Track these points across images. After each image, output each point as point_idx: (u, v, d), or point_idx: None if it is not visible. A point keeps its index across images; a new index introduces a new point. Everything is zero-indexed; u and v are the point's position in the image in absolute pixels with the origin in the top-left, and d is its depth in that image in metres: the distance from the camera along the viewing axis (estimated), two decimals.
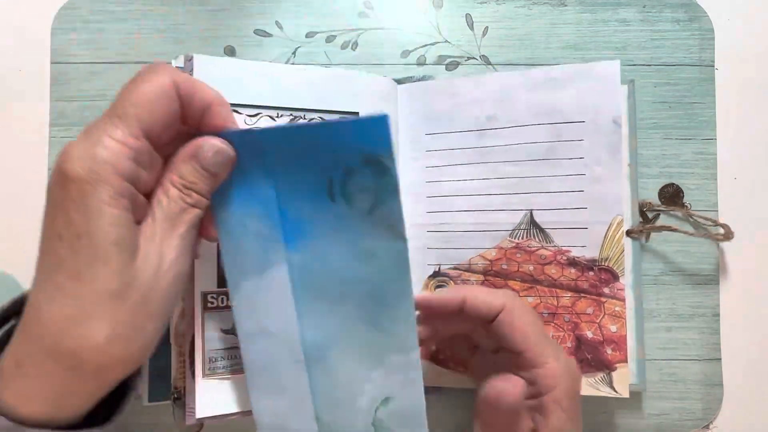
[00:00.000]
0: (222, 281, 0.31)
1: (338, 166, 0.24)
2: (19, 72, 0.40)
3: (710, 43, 0.39)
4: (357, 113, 0.35)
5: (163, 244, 0.23)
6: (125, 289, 0.21)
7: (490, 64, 0.39)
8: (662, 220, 0.38)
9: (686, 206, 0.38)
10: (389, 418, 0.27)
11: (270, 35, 0.39)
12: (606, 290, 0.34)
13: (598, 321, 0.34)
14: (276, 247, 0.26)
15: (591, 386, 0.34)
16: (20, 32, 0.40)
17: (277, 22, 0.39)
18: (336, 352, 0.26)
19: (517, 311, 0.29)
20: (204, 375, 0.31)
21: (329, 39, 0.39)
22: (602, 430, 0.37)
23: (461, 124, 0.36)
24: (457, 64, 0.39)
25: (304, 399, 0.27)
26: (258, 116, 0.35)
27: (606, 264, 0.34)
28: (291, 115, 0.35)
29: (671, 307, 0.38)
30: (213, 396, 0.31)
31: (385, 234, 0.24)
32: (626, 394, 0.34)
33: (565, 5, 0.39)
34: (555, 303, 0.35)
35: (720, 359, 0.38)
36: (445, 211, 0.36)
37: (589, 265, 0.34)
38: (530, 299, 0.35)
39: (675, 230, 0.36)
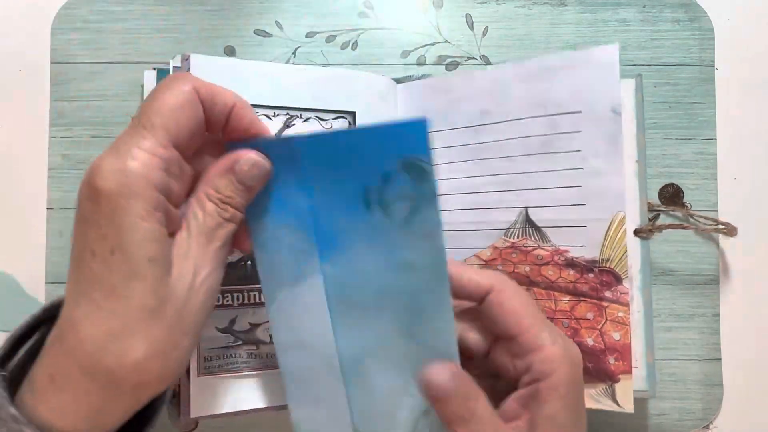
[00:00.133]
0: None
1: (375, 172, 0.23)
2: (19, 72, 0.40)
3: (710, 43, 0.39)
4: (354, 113, 0.35)
5: (197, 259, 0.23)
6: (161, 305, 0.21)
7: (489, 64, 0.39)
8: (662, 221, 0.38)
9: (686, 206, 0.38)
10: (431, 429, 0.26)
11: (270, 35, 0.39)
12: (608, 294, 0.32)
13: (599, 327, 0.32)
14: (310, 260, 0.25)
15: (592, 398, 0.32)
16: (20, 32, 0.40)
17: (277, 22, 0.39)
18: (373, 365, 0.26)
19: (507, 291, 0.26)
20: (199, 374, 0.31)
21: (329, 39, 0.39)
22: (601, 430, 0.37)
23: (456, 121, 0.36)
24: (457, 64, 0.39)
25: (342, 410, 0.27)
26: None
27: (607, 265, 0.32)
28: (287, 114, 0.35)
29: (671, 307, 0.38)
30: (208, 395, 0.31)
31: (423, 243, 0.24)
32: (630, 409, 0.32)
33: (565, 5, 0.39)
34: (553, 307, 0.33)
35: (720, 359, 0.38)
36: (441, 210, 0.36)
37: (588, 267, 0.33)
38: None
39: (686, 228, 0.36)
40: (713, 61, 0.39)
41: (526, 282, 0.34)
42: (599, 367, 0.32)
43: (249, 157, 0.24)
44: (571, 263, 0.33)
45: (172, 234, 0.23)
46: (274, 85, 0.34)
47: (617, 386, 0.32)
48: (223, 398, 0.31)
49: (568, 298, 0.33)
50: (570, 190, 0.33)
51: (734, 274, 0.38)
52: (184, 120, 0.22)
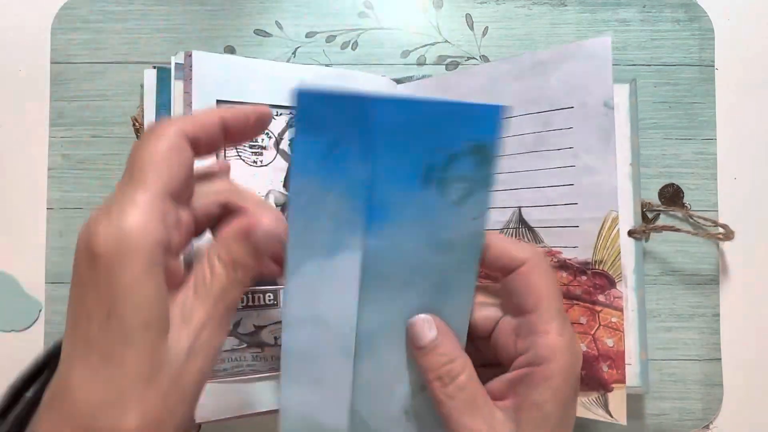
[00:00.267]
0: None
1: (442, 150, 0.23)
2: (19, 72, 0.40)
3: (710, 43, 0.39)
4: None
5: (199, 322, 0.22)
6: (157, 372, 0.21)
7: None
8: (662, 221, 0.38)
9: (686, 206, 0.38)
10: (423, 407, 0.26)
11: (270, 35, 0.39)
12: (601, 298, 0.32)
13: (592, 333, 0.32)
14: (354, 231, 0.24)
15: (583, 407, 0.31)
16: (20, 32, 0.40)
17: (277, 22, 0.39)
18: (386, 341, 0.26)
19: (539, 269, 0.25)
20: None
21: (329, 39, 0.39)
22: (601, 430, 0.37)
23: None
24: (457, 64, 0.39)
25: (342, 392, 0.26)
26: None
27: (600, 268, 0.32)
28: (290, 113, 0.35)
29: (671, 307, 0.38)
30: (212, 399, 0.31)
31: (467, 226, 0.24)
32: (623, 421, 0.31)
33: (565, 5, 0.39)
34: None
35: (720, 359, 0.38)
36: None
37: (581, 268, 0.32)
38: None
39: (677, 230, 0.36)
40: (713, 61, 0.39)
41: None
42: (592, 374, 0.31)
43: (265, 227, 0.23)
44: (564, 265, 0.33)
45: (174, 286, 0.22)
46: (275, 84, 0.34)
47: (610, 396, 0.31)
48: (227, 402, 0.31)
49: None
50: (562, 188, 0.32)
51: (734, 274, 0.38)
52: (175, 166, 0.22)
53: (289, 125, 0.35)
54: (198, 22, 0.39)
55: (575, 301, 0.32)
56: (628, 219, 0.34)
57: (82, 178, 0.39)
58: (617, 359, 0.31)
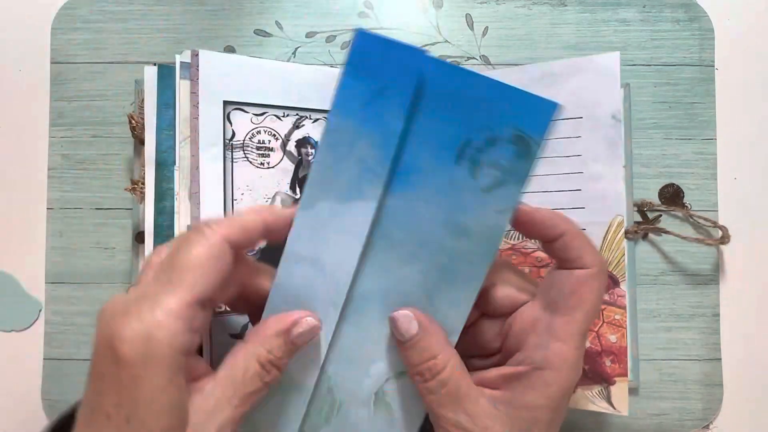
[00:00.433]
0: None
1: (484, 130, 0.22)
2: (19, 72, 0.40)
3: (710, 43, 0.39)
4: None
5: (222, 420, 0.22)
6: None
7: (489, 64, 0.39)
8: (663, 220, 0.38)
9: (686, 206, 0.38)
10: (394, 394, 0.25)
11: (270, 35, 0.39)
12: (605, 296, 0.33)
13: (596, 329, 0.33)
14: (375, 183, 0.23)
15: (587, 400, 0.32)
16: (20, 32, 0.40)
17: (277, 22, 0.39)
18: (378, 309, 0.25)
19: (596, 282, 0.24)
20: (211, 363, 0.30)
21: (329, 39, 0.39)
22: (601, 430, 0.37)
23: None
24: (457, 64, 0.39)
25: (321, 344, 0.25)
26: (264, 115, 0.35)
27: None
28: (297, 114, 0.35)
29: (671, 307, 0.38)
30: None
31: (490, 217, 0.23)
32: (625, 412, 0.32)
33: (565, 5, 0.39)
34: None
35: (720, 359, 0.38)
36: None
37: None
38: None
39: (668, 233, 0.36)
40: (713, 61, 0.39)
41: None
42: (595, 369, 0.33)
43: (308, 320, 0.24)
44: None
45: (194, 380, 0.22)
46: (283, 85, 0.34)
47: (613, 388, 0.32)
48: None
49: None
50: (570, 193, 0.34)
51: (734, 274, 0.38)
52: (212, 275, 0.22)
53: (295, 126, 0.35)
54: (198, 22, 0.39)
55: None
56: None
57: (82, 178, 0.39)
58: (620, 354, 0.32)
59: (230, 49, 0.39)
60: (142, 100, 0.35)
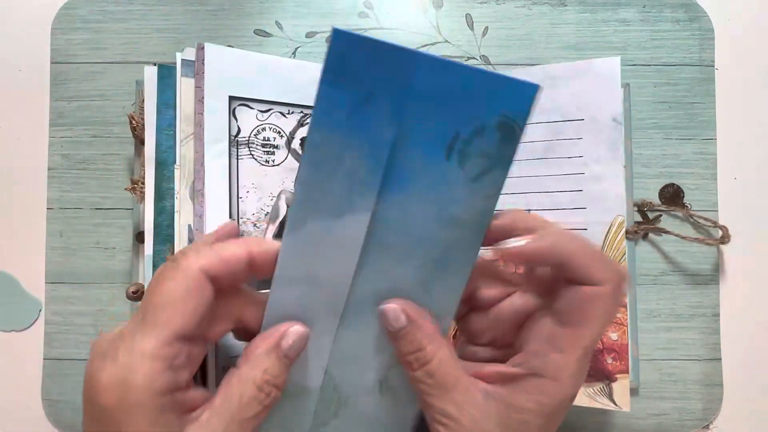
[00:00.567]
0: None
1: (472, 121, 0.22)
2: (19, 72, 0.40)
3: (710, 43, 0.39)
4: None
5: None
6: None
7: (489, 64, 0.39)
8: (663, 220, 0.38)
9: (686, 206, 0.38)
10: (398, 379, 0.26)
11: (270, 35, 0.39)
12: None
13: None
14: (367, 194, 0.23)
15: (589, 397, 0.33)
16: (20, 32, 0.40)
17: (277, 22, 0.39)
18: (376, 309, 0.25)
19: (610, 299, 0.23)
20: (216, 385, 0.30)
21: (329, 39, 0.39)
22: (601, 430, 0.37)
23: None
24: None
25: (323, 350, 0.25)
26: (269, 112, 0.34)
27: None
28: (302, 112, 0.35)
29: (671, 307, 0.38)
30: None
31: (478, 204, 0.23)
32: (627, 408, 0.33)
33: (565, 5, 0.39)
34: None
35: (720, 359, 0.38)
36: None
37: None
38: None
39: (669, 233, 0.37)
40: (713, 61, 0.39)
41: None
42: (597, 366, 0.33)
43: (294, 329, 0.24)
44: None
45: (190, 410, 0.22)
46: (288, 82, 0.34)
47: (614, 385, 0.33)
48: None
49: None
50: (571, 194, 0.35)
51: (734, 274, 0.38)
52: (190, 310, 0.21)
53: (300, 124, 0.35)
54: (198, 22, 0.39)
55: None
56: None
57: (82, 178, 0.39)
58: (621, 351, 0.33)
59: None
60: (143, 100, 0.35)
